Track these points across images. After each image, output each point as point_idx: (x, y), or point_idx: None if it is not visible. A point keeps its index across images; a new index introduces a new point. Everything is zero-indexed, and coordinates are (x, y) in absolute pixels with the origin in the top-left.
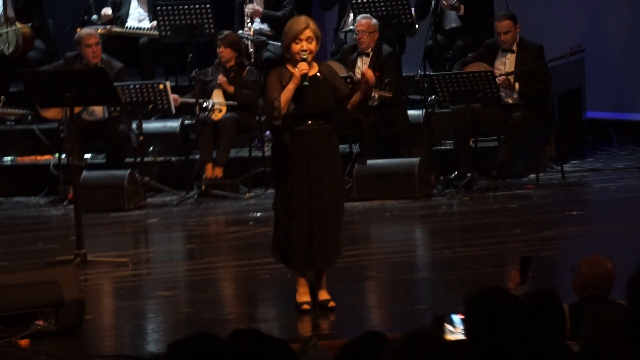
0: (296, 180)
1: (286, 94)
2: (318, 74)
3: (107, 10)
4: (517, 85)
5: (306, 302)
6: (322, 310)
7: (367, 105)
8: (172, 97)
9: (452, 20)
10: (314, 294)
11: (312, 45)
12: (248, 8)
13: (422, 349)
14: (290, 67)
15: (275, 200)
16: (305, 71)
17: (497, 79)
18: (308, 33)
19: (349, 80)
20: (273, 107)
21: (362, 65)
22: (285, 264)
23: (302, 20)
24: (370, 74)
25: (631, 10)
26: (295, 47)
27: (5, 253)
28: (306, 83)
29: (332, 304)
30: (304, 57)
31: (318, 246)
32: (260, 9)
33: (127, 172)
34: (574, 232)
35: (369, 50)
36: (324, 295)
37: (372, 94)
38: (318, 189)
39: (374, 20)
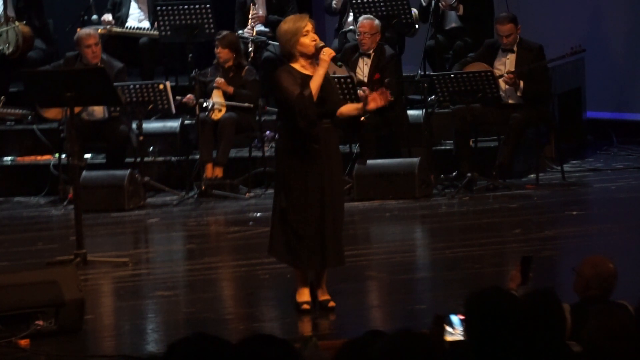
0: (309, 179)
1: (317, 80)
2: (327, 74)
3: (108, 17)
4: (521, 83)
5: (306, 302)
6: (322, 310)
7: (355, 125)
8: (188, 97)
9: (452, 20)
10: (314, 294)
11: (316, 35)
12: (252, 14)
13: (407, 348)
14: (296, 66)
15: (280, 199)
16: (334, 54)
17: (504, 76)
18: (311, 24)
19: (349, 80)
20: (304, 98)
21: (364, 67)
22: (297, 264)
23: (301, 15)
24: (377, 101)
25: (631, 10)
26: (306, 40)
27: (5, 253)
28: (340, 64)
29: (332, 304)
30: (321, 45)
31: (331, 245)
32: (263, 15)
33: (127, 172)
34: (574, 232)
35: (371, 51)
36: (324, 295)
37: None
38: (329, 189)
39: (377, 21)
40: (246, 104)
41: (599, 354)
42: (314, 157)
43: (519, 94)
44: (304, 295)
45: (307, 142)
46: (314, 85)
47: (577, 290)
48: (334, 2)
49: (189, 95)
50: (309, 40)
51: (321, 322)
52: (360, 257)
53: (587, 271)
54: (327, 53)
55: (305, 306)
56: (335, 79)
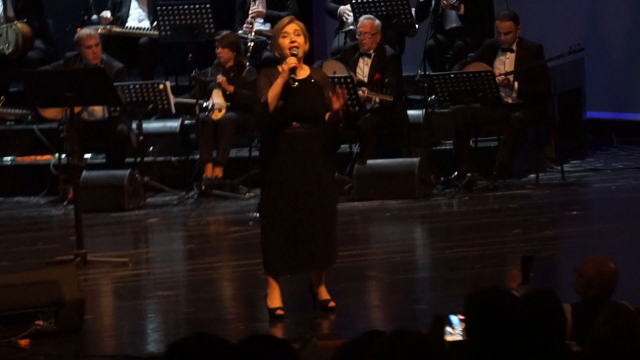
0: (283, 183)
1: (274, 89)
2: (311, 79)
3: (107, 14)
4: (516, 84)
5: (279, 308)
6: (323, 310)
7: (337, 126)
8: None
9: (452, 20)
10: (313, 294)
11: (300, 39)
12: (252, 10)
13: (407, 348)
14: (280, 68)
15: (260, 203)
16: (293, 65)
17: (496, 78)
18: (294, 26)
19: (349, 80)
20: (260, 103)
21: (364, 66)
22: (267, 269)
23: (286, 18)
24: (337, 103)
25: (631, 10)
26: (284, 42)
27: (5, 253)
28: (293, 76)
29: (332, 304)
30: (295, 52)
31: (305, 251)
32: (264, 10)
33: (127, 172)
34: (574, 232)
35: (371, 51)
36: (324, 295)
37: (373, 99)
38: (304, 194)
39: (377, 21)
40: (245, 104)
41: (606, 353)
42: (285, 160)
43: (514, 94)
44: (276, 300)
45: (267, 144)
46: (271, 93)
47: (578, 291)
48: (345, 16)
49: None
50: (287, 42)
51: (321, 322)
52: (360, 257)
53: (589, 271)
54: (288, 63)
55: (280, 312)
56: (335, 79)
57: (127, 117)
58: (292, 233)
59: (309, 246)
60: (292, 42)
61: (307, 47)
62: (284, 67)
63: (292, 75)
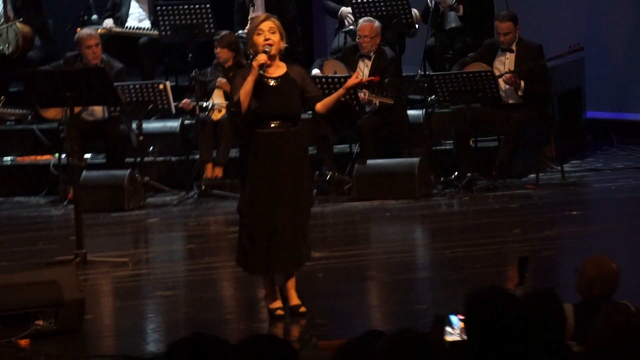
0: (259, 183)
1: (246, 86)
2: (288, 77)
3: (109, 22)
4: (522, 83)
5: (279, 308)
6: (294, 316)
7: (340, 112)
8: (184, 102)
9: (452, 21)
10: (284, 298)
11: (275, 37)
12: (251, 14)
13: (407, 348)
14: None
15: (240, 203)
16: (262, 61)
17: (504, 76)
18: (270, 24)
19: (343, 80)
20: (233, 102)
21: (364, 68)
22: (248, 269)
23: (262, 15)
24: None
25: (631, 10)
26: (258, 39)
27: (5, 253)
28: (262, 72)
29: (302, 309)
30: (267, 50)
31: (277, 251)
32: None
33: (127, 172)
34: (574, 232)
35: (371, 53)
36: (294, 300)
37: (374, 102)
38: (280, 194)
39: (377, 24)
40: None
41: (606, 353)
42: (262, 159)
43: (520, 93)
44: (275, 301)
45: (244, 143)
46: (242, 91)
47: (579, 290)
48: (347, 20)
49: (184, 100)
50: (261, 39)
51: (321, 322)
52: (360, 257)
53: (590, 271)
54: (258, 60)
55: (280, 312)
56: (329, 79)
57: (127, 117)
58: (268, 234)
59: (281, 247)
60: (266, 39)
61: (283, 45)
62: (253, 64)
63: (261, 72)
